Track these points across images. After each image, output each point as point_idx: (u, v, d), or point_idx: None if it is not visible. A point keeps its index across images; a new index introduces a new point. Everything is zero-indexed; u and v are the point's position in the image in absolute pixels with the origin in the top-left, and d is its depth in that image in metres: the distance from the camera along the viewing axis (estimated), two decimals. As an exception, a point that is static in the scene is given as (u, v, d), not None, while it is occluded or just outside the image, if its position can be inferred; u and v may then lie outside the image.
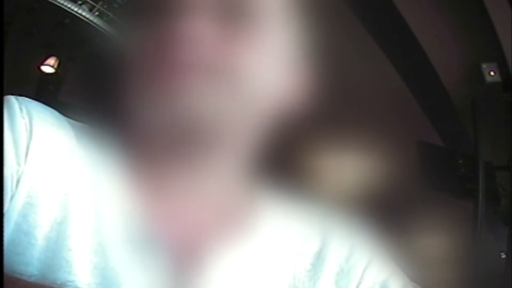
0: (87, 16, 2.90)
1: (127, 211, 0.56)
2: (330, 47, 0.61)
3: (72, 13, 2.88)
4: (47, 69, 3.18)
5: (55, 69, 3.14)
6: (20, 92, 0.60)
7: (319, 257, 0.61)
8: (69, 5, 2.87)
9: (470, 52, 3.21)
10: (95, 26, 2.88)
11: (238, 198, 0.61)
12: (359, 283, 0.60)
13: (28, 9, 2.88)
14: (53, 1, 2.84)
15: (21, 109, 0.55)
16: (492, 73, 3.22)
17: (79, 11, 2.89)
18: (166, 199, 0.58)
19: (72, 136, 0.58)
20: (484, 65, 3.21)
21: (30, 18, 2.91)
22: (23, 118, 0.55)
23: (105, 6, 2.91)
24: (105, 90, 0.59)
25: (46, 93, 3.15)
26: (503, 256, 3.03)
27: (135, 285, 0.54)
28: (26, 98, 0.58)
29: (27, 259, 0.52)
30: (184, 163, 0.58)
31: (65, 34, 2.97)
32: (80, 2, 2.91)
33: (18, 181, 0.53)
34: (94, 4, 2.92)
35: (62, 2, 2.86)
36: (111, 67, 0.59)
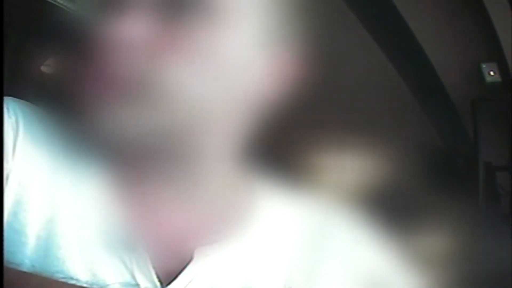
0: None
1: (107, 213, 0.56)
2: (326, 44, 0.60)
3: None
4: (47, 69, 3.18)
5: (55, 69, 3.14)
6: (20, 93, 0.60)
7: (316, 251, 0.61)
8: (69, 5, 2.87)
9: (470, 52, 3.21)
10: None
11: (231, 195, 0.60)
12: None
13: (28, 9, 2.88)
14: (53, 1, 2.83)
15: (7, 109, 0.56)
16: (492, 73, 3.22)
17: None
18: (150, 204, 0.57)
19: (58, 135, 0.57)
20: (484, 65, 3.21)
21: (30, 18, 2.91)
22: (10, 118, 0.55)
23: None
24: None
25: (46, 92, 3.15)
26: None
27: (123, 283, 0.53)
28: (13, 98, 0.58)
29: (19, 258, 0.52)
30: (169, 169, 0.56)
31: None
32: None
33: (6, 179, 0.53)
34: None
35: (62, 2, 2.86)
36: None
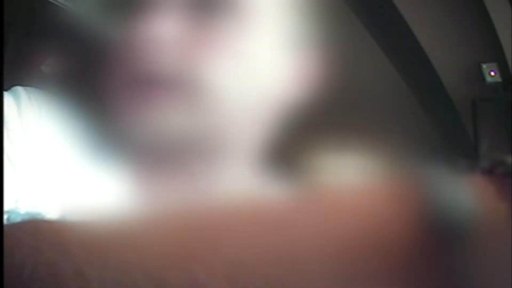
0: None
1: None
2: (329, 47, 0.60)
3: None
4: (47, 69, 3.17)
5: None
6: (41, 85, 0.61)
7: None
8: (69, 5, 2.86)
9: (470, 52, 3.21)
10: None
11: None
12: None
13: (28, 9, 2.88)
14: (54, 1, 2.83)
15: (29, 97, 0.56)
16: (492, 73, 3.22)
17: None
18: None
19: (78, 126, 0.57)
20: (484, 65, 3.21)
21: (30, 18, 2.91)
22: (32, 105, 0.55)
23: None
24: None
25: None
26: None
27: None
28: (33, 88, 0.58)
29: None
30: (188, 168, 0.56)
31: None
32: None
33: (29, 169, 0.53)
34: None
35: (62, 2, 2.86)
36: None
